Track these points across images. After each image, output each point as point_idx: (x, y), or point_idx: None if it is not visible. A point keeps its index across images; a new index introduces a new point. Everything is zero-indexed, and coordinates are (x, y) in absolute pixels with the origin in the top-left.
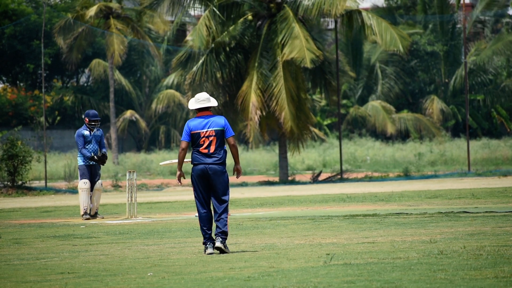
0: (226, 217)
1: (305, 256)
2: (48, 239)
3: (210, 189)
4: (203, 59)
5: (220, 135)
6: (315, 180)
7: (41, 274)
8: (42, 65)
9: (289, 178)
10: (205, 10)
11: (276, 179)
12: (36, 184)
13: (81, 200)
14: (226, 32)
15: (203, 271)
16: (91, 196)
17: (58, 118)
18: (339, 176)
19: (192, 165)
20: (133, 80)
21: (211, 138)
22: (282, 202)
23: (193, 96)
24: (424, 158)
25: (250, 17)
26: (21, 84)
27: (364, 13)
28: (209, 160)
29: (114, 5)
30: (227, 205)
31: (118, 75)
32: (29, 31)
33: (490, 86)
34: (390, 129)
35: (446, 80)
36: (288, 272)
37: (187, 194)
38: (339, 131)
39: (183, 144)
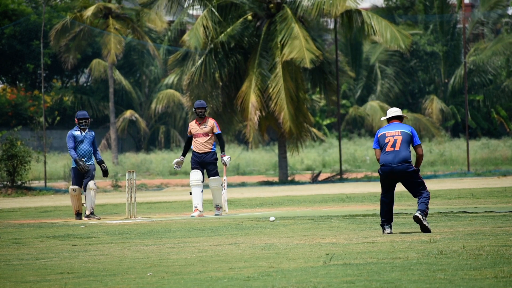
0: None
1: (304, 256)
2: (48, 239)
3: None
4: (202, 59)
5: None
6: (314, 180)
7: (40, 274)
8: (42, 65)
9: (289, 178)
10: (204, 10)
11: (276, 179)
12: (35, 184)
13: (72, 202)
14: (225, 32)
15: (202, 271)
16: (85, 196)
17: (58, 118)
18: (338, 176)
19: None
20: (133, 80)
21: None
22: (282, 202)
23: (193, 95)
24: (423, 158)
25: (249, 17)
26: (21, 84)
27: (363, 13)
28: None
29: (113, 5)
30: (423, 188)
31: (118, 75)
32: (28, 31)
33: (490, 86)
34: None
35: (446, 80)
36: (287, 272)
37: (187, 194)
38: (339, 131)
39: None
